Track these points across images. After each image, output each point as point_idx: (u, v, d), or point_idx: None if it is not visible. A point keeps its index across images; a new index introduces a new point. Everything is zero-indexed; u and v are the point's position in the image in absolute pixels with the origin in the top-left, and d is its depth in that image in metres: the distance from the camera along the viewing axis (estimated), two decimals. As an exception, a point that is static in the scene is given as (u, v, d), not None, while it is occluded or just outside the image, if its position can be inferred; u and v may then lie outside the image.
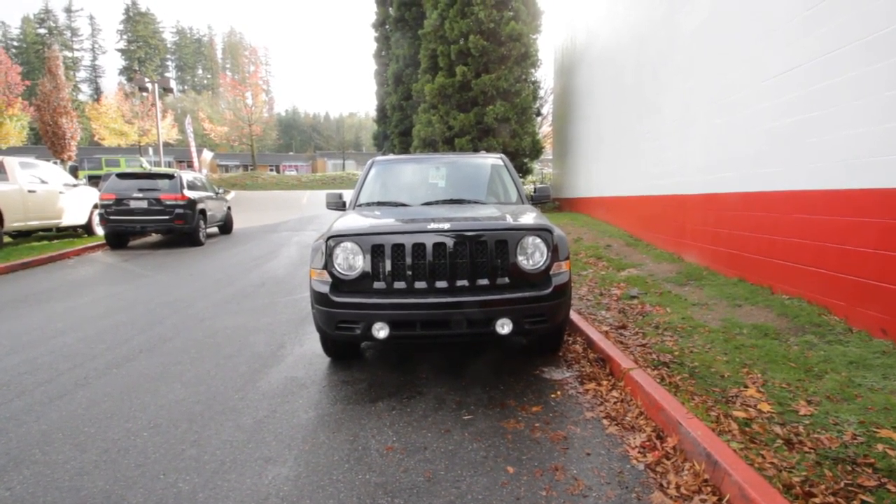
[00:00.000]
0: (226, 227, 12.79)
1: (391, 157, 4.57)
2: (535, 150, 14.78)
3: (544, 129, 19.37)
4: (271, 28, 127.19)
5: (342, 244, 2.91)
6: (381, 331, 2.75)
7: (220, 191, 12.61)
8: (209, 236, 11.12)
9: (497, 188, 4.17)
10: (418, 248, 2.82)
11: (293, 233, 13.11)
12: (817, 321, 3.59)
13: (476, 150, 13.91)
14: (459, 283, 2.81)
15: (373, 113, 23.93)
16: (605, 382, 2.95)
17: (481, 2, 13.35)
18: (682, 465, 2.05)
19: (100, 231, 10.58)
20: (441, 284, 2.81)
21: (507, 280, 2.85)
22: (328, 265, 2.92)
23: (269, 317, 4.87)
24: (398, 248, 2.84)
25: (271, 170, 47.33)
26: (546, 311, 2.86)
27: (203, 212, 10.64)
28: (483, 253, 2.83)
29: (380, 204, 3.99)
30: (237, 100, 41.45)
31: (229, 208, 13.13)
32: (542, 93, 15.41)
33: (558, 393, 2.90)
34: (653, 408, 2.49)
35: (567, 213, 12.97)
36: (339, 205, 4.24)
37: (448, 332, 2.82)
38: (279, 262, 8.38)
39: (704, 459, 1.99)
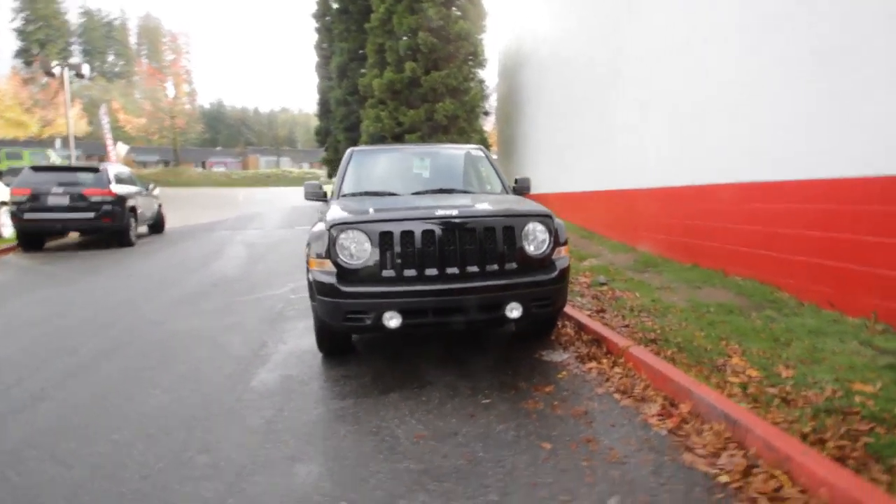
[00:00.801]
0: (157, 225, 11.80)
1: (369, 147, 4.46)
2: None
3: (487, 127, 19.77)
4: (192, 15, 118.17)
5: (347, 232, 2.81)
6: (392, 320, 2.69)
7: (151, 186, 11.59)
8: (139, 236, 10.18)
9: (481, 178, 4.21)
10: (428, 234, 2.79)
11: (234, 231, 12.38)
12: (771, 298, 4.01)
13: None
14: (469, 269, 2.81)
15: (308, 108, 23.13)
16: (604, 361, 3.09)
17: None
18: (702, 427, 2.21)
19: (7, 231, 9.31)
20: (451, 271, 2.79)
21: (514, 265, 2.89)
22: (331, 254, 2.80)
23: (234, 316, 4.57)
24: (407, 235, 2.78)
25: (196, 166, 44.14)
26: (552, 295, 2.95)
27: (133, 209, 9.72)
28: (492, 238, 2.85)
29: (367, 194, 3.87)
30: (156, 89, 38.22)
31: (160, 205, 12.12)
32: (487, 92, 15.70)
33: (564, 373, 3.00)
34: (659, 379, 2.65)
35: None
36: (318, 195, 4.07)
37: (460, 318, 2.81)
38: (227, 261, 7.87)
39: (724, 420, 2.16)
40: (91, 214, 8.64)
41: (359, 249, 2.79)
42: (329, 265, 2.81)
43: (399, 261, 2.77)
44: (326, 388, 2.91)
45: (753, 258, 4.45)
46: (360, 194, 3.87)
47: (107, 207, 8.82)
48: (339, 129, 18.22)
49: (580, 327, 3.65)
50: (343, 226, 2.82)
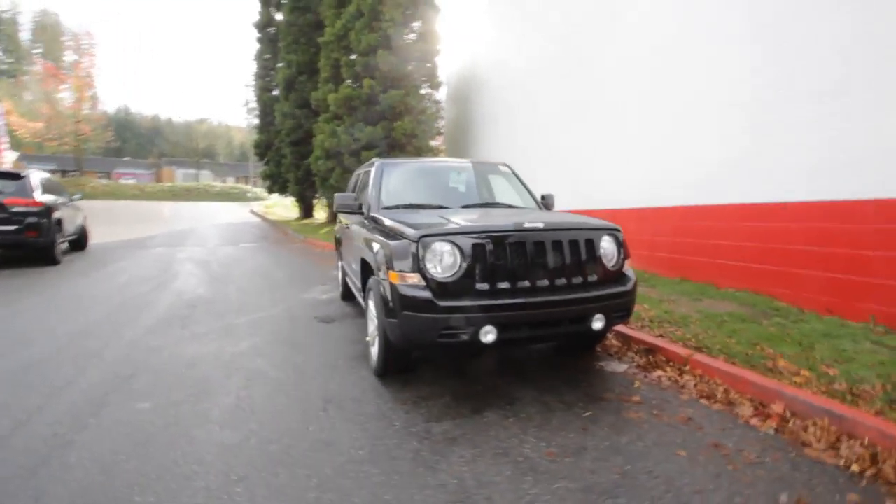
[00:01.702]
0: (80, 241, 10.42)
1: (396, 160, 4.32)
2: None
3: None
4: (95, 16, 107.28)
5: (437, 244, 2.69)
6: (488, 335, 2.60)
7: (76, 196, 10.21)
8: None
9: (515, 193, 4.25)
10: (518, 246, 2.76)
11: (173, 248, 11.30)
12: (774, 307, 4.45)
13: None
14: (558, 281, 2.82)
15: (230, 120, 21.77)
16: (668, 369, 3.23)
17: (390, 19, 13.42)
18: (805, 424, 2.38)
19: None
20: (542, 283, 2.78)
21: (595, 277, 2.95)
22: (421, 267, 2.66)
23: (244, 341, 4.14)
24: (499, 247, 2.73)
25: (101, 177, 39.58)
26: (629, 306, 3.03)
27: (60, 222, 8.50)
28: (576, 251, 2.89)
29: (412, 206, 3.74)
30: (53, 91, 34.06)
31: (85, 218, 10.72)
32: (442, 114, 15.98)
33: (637, 384, 3.08)
34: (739, 383, 2.82)
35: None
36: (353, 207, 3.87)
37: (551, 331, 2.79)
38: (187, 281, 7.13)
39: (825, 415, 2.34)
40: (13, 227, 7.41)
41: (449, 262, 2.68)
42: (418, 279, 2.67)
43: (492, 273, 2.71)
44: (412, 412, 2.70)
45: (746, 272, 4.92)
46: (405, 207, 3.74)
47: (32, 220, 7.65)
48: (284, 143, 17.45)
49: (626, 338, 3.78)
50: (432, 237, 2.70)
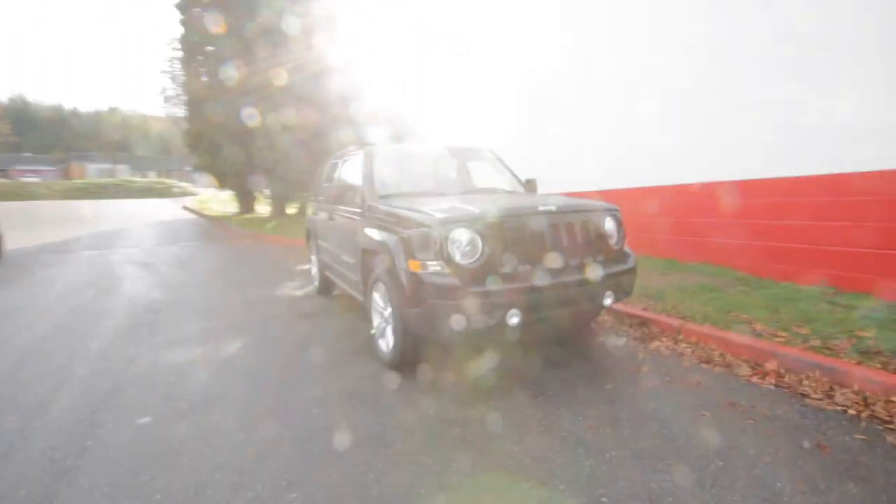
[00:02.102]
0: (-8, 247, 9.21)
1: (383, 146, 4.20)
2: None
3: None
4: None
5: (459, 230, 2.68)
6: (514, 317, 2.64)
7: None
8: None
9: (503, 178, 4.31)
10: (536, 229, 2.82)
11: (106, 251, 10.34)
12: (736, 277, 4.88)
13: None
14: (572, 261, 2.92)
15: (147, 110, 19.95)
16: (664, 339, 3.46)
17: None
18: (799, 378, 2.66)
19: None
20: (559, 264, 2.86)
21: (602, 257, 3.08)
22: (444, 254, 2.65)
23: (234, 343, 3.90)
24: (518, 230, 2.78)
25: (-5, 175, 35.00)
26: (632, 283, 3.20)
27: (-30, 226, 7.47)
28: (587, 231, 3.00)
29: (413, 194, 3.68)
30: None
31: (-3, 222, 9.51)
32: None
33: (641, 355, 3.27)
34: (732, 346, 3.09)
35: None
36: (341, 197, 3.74)
37: (569, 310, 2.89)
38: (136, 285, 6.57)
39: (816, 369, 2.64)
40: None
41: (472, 247, 2.68)
42: (442, 266, 2.65)
43: (513, 257, 2.74)
44: (440, 399, 2.70)
45: (705, 246, 5.34)
46: (405, 195, 3.66)
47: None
48: (222, 134, 16.31)
49: (616, 313, 3.99)
50: (454, 223, 2.69)
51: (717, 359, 3.07)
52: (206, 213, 20.28)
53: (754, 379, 2.77)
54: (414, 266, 2.70)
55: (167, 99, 20.49)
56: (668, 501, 1.76)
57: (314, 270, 5.90)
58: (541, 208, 2.90)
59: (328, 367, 3.26)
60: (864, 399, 2.38)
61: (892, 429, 2.16)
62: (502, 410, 2.52)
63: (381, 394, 2.79)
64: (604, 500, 1.78)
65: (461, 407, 2.58)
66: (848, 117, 3.98)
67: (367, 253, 3.43)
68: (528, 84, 8.23)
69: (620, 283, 3.07)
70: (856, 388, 2.47)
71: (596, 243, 3.05)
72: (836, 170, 4.11)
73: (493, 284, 2.66)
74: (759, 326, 3.50)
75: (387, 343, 3.20)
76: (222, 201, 22.86)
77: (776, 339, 3.17)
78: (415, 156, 4.23)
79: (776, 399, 2.51)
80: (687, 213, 5.62)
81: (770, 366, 2.84)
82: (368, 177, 3.80)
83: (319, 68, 12.88)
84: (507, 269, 2.73)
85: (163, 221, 18.08)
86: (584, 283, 2.88)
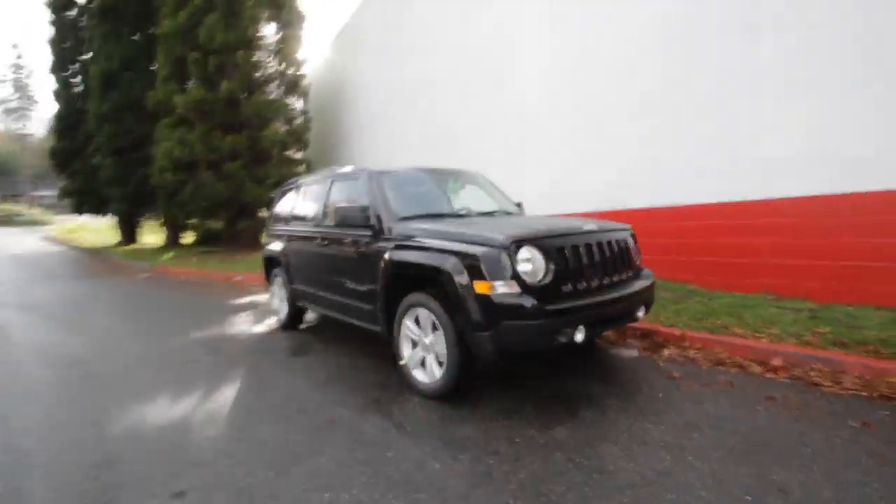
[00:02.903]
0: None
1: (386, 168, 4.02)
2: (311, 181, 14.31)
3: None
4: None
5: (527, 249, 2.68)
6: (579, 333, 2.69)
7: None
8: None
9: (502, 199, 4.39)
10: (587, 248, 2.92)
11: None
12: (689, 289, 5.50)
13: (253, 177, 12.42)
14: (615, 277, 3.07)
15: None
16: (671, 347, 3.75)
17: (249, 17, 12.20)
18: (806, 370, 3.08)
19: None
20: (607, 281, 2.99)
21: (631, 273, 3.29)
22: (516, 274, 2.62)
23: (224, 393, 3.37)
24: (574, 250, 2.85)
25: None
26: (653, 297, 3.45)
27: None
28: (621, 249, 3.19)
29: (432, 216, 3.56)
30: None
31: None
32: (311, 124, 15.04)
33: (661, 363, 3.51)
34: (735, 349, 3.48)
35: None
36: (364, 217, 3.51)
37: (615, 325, 3.02)
38: (28, 332, 5.39)
39: (818, 361, 3.08)
40: None
41: (540, 266, 2.69)
42: (514, 286, 2.61)
43: (572, 274, 2.81)
44: (495, 429, 2.61)
45: (661, 263, 5.97)
46: (427, 216, 3.54)
47: None
48: (101, 152, 14.16)
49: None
50: (523, 242, 2.68)
51: (727, 361, 3.43)
52: (78, 244, 17.23)
53: (769, 375, 3.15)
54: (482, 287, 2.62)
55: (7, 112, 17.24)
56: (796, 488, 1.90)
57: (276, 303, 5.36)
58: (586, 227, 3.03)
59: (364, 407, 2.96)
60: (867, 381, 2.85)
61: (899, 404, 2.62)
62: (570, 432, 2.51)
63: (440, 428, 2.61)
64: (748, 498, 1.87)
65: (544, 430, 2.52)
66: (776, 152, 4.82)
67: (396, 278, 3.24)
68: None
69: (648, 298, 3.31)
70: (856, 374, 2.94)
71: (626, 260, 3.26)
72: (769, 196, 4.92)
73: (561, 302, 2.69)
74: (736, 330, 3.99)
75: (429, 372, 3.02)
76: (95, 230, 19.63)
77: (763, 339, 3.65)
78: (414, 178, 4.13)
79: (799, 390, 2.88)
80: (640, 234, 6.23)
81: (776, 362, 3.25)
82: (382, 199, 3.61)
83: (236, 84, 11.98)
84: (568, 287, 2.78)
85: (22, 256, 15.00)
86: (629, 297, 3.04)
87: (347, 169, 4.30)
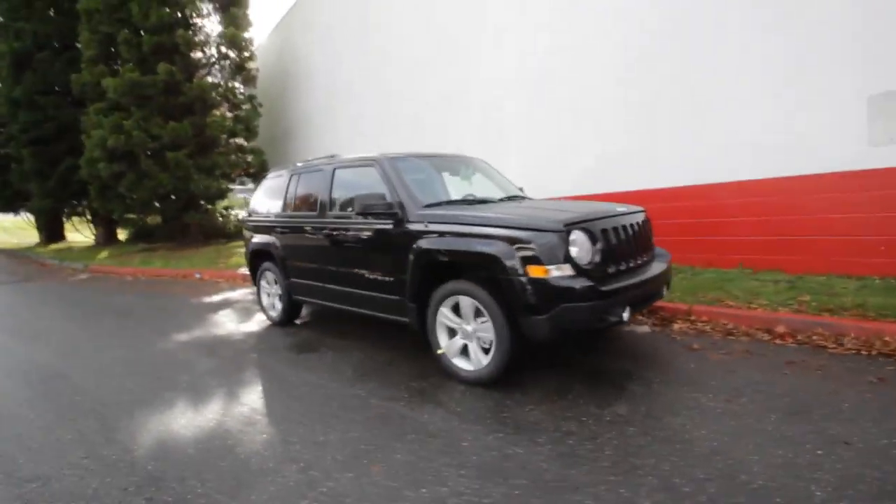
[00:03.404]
0: None
1: (399, 154, 3.87)
2: (264, 170, 13.54)
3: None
4: None
5: (577, 232, 2.71)
6: (626, 313, 2.78)
7: None
8: None
9: (508, 185, 4.40)
10: (624, 229, 3.01)
11: None
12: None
13: (199, 167, 11.56)
14: (646, 257, 3.19)
15: None
16: (680, 321, 3.98)
17: (190, -7, 11.22)
18: (810, 335, 3.39)
19: None
20: (641, 261, 3.10)
21: (654, 252, 3.43)
22: (569, 257, 2.64)
23: (245, 396, 3.15)
24: (615, 232, 2.92)
25: None
26: (671, 275, 3.62)
27: None
28: (645, 230, 3.31)
29: (457, 203, 3.51)
30: None
31: None
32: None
33: (678, 338, 3.71)
34: (740, 319, 3.75)
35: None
36: (387, 206, 3.37)
37: (650, 302, 3.14)
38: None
39: (818, 326, 3.40)
40: None
41: (588, 249, 2.73)
42: (568, 269, 2.64)
43: (615, 256, 2.88)
44: (550, 414, 2.65)
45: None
46: (450, 203, 3.48)
47: None
48: (18, 143, 12.48)
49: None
50: (574, 226, 2.71)
51: (735, 331, 3.69)
52: (-14, 245, 15.22)
53: (777, 341, 3.43)
54: (538, 272, 2.62)
55: None
56: (855, 440, 2.10)
57: (266, 300, 5.06)
58: (618, 210, 3.12)
59: (408, 402, 2.88)
60: (865, 340, 3.19)
61: None
62: (644, 403, 2.61)
63: (497, 420, 2.61)
64: (819, 452, 2.04)
65: (605, 407, 2.59)
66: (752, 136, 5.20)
67: (429, 267, 3.16)
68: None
69: (670, 275, 3.47)
70: (852, 335, 3.28)
71: (649, 241, 3.40)
72: (740, 178, 5.31)
73: (610, 283, 2.75)
74: (730, 303, 4.31)
75: (474, 360, 3.00)
76: (6, 230, 17.38)
77: (757, 310, 3.96)
78: (424, 165, 4.03)
79: (809, 353, 3.17)
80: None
81: (780, 329, 3.55)
82: (403, 186, 3.49)
83: (176, 67, 11.01)
84: (612, 269, 2.85)
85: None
86: (659, 276, 3.18)
87: (354, 156, 4.11)
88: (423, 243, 3.14)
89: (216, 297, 6.88)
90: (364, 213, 3.44)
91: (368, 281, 3.66)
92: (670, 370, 3.05)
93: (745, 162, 5.22)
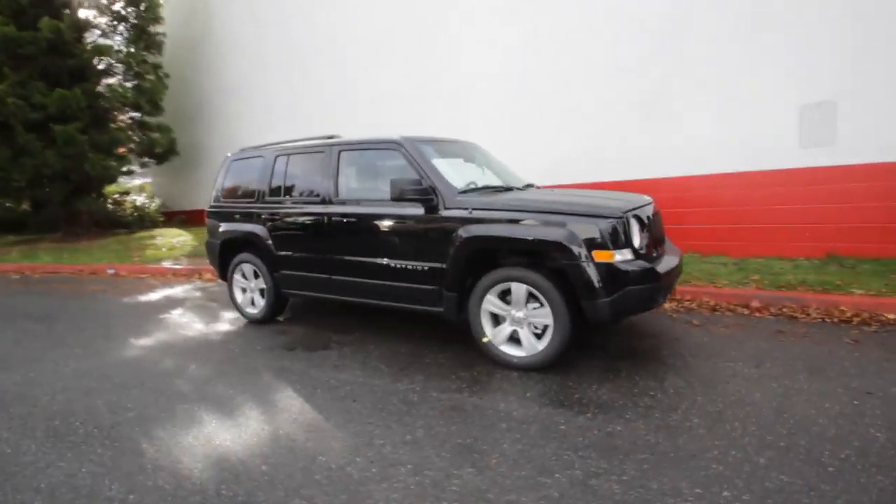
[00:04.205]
0: None
1: (417, 137, 3.68)
2: (172, 152, 11.98)
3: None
4: None
5: (632, 219, 2.87)
6: (664, 296, 3.01)
7: None
8: None
9: (516, 174, 4.44)
10: (652, 218, 3.23)
11: None
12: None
13: (95, 145, 9.91)
14: (664, 246, 3.46)
15: None
16: (684, 302, 4.39)
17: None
18: (781, 307, 3.96)
19: None
20: (662, 249, 3.36)
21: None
22: (630, 242, 2.80)
23: (255, 420, 2.85)
24: (649, 220, 3.14)
25: None
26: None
27: None
28: (661, 220, 3.58)
29: (487, 189, 3.48)
30: None
31: None
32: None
33: (672, 315, 4.08)
34: (722, 297, 4.25)
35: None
36: (418, 192, 3.22)
37: (673, 288, 3.43)
38: None
39: (788, 301, 3.99)
40: None
41: (639, 235, 2.90)
42: (629, 254, 2.79)
43: (655, 243, 3.09)
44: (623, 383, 2.81)
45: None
46: (484, 189, 3.46)
47: None
48: None
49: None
50: (630, 213, 2.87)
51: (718, 307, 4.18)
52: None
53: (756, 314, 3.96)
54: (604, 256, 2.72)
55: None
56: (874, 389, 2.53)
57: (242, 296, 4.57)
58: (645, 198, 3.34)
59: (467, 389, 2.83)
60: (825, 311, 3.82)
61: (858, 323, 3.58)
62: (692, 374, 2.86)
63: (566, 408, 2.69)
64: (856, 402, 2.42)
65: (659, 382, 2.78)
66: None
67: (474, 254, 3.10)
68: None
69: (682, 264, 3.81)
70: (815, 306, 3.90)
71: (663, 230, 3.69)
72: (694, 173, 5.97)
73: (661, 267, 2.96)
74: (697, 283, 4.86)
75: (527, 346, 3.02)
76: None
77: (725, 289, 4.53)
78: (458, 150, 3.93)
79: (787, 324, 3.71)
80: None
81: (755, 304, 4.10)
82: (432, 171, 3.36)
83: (63, 23, 9.23)
84: (653, 254, 3.07)
85: None
86: (680, 265, 3.46)
87: (365, 137, 3.85)
88: (472, 230, 3.07)
89: (153, 296, 6.00)
90: (399, 199, 3.25)
91: (393, 270, 3.48)
92: (691, 344, 3.38)
93: (698, 159, 5.88)
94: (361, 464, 2.11)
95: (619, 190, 6.33)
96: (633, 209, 2.95)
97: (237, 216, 4.46)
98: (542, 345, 2.97)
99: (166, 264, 7.84)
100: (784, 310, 3.96)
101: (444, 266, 3.22)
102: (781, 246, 5.43)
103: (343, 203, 3.74)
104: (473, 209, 3.12)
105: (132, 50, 10.76)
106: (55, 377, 3.32)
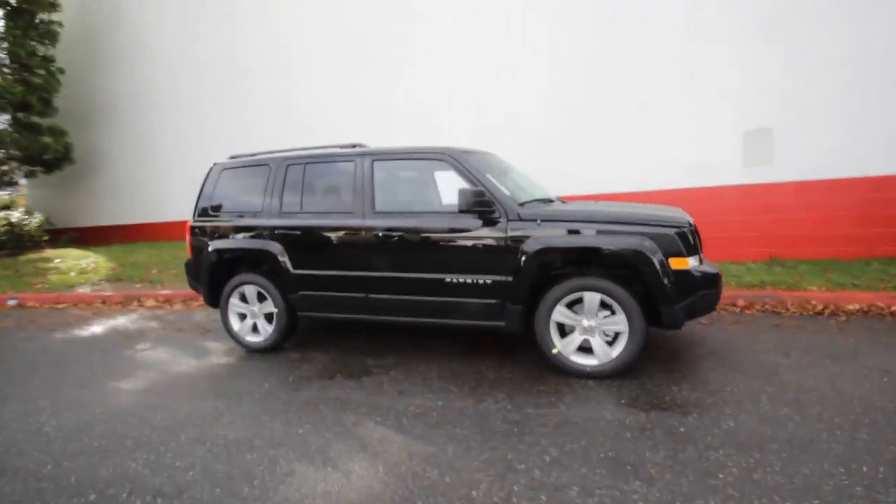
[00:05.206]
0: None
1: (464, 149, 3.59)
2: (67, 158, 10.20)
3: None
4: None
5: (694, 228, 3.10)
6: (712, 301, 3.30)
7: None
8: None
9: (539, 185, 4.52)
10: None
11: None
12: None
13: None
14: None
15: None
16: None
17: None
18: (763, 305, 4.52)
19: None
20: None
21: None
22: (697, 249, 3.03)
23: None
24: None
25: None
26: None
27: None
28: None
29: (537, 201, 3.50)
30: None
31: None
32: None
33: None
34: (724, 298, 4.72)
35: (118, 244, 10.10)
36: (482, 203, 3.15)
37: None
38: None
39: (768, 298, 4.57)
40: None
41: (698, 243, 3.15)
42: (696, 260, 3.01)
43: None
44: (684, 379, 3.00)
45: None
46: (537, 201, 3.51)
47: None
48: None
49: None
50: (691, 223, 3.09)
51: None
52: None
53: (746, 311, 4.48)
54: (681, 264, 2.90)
55: None
56: (888, 372, 3.00)
57: (240, 324, 4.04)
58: (679, 209, 3.63)
59: (547, 397, 2.81)
60: (801, 306, 4.44)
61: (829, 314, 4.22)
62: (729, 369, 3.13)
63: (634, 413, 2.81)
64: (885, 379, 2.84)
65: (703, 381, 3.01)
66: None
67: (547, 265, 3.11)
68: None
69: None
70: (790, 302, 4.52)
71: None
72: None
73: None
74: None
75: (599, 354, 3.08)
76: None
77: (758, 283, 5.07)
78: (493, 162, 3.87)
79: (776, 318, 4.25)
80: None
81: (741, 303, 4.63)
82: (488, 182, 3.30)
83: None
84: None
85: None
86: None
87: (401, 147, 3.65)
88: (543, 241, 3.07)
89: (94, 328, 5.01)
90: (466, 211, 3.14)
91: (448, 286, 3.33)
92: (716, 341, 3.71)
93: (656, 176, 6.52)
94: (524, 492, 1.98)
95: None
96: (691, 219, 3.20)
97: (235, 232, 3.94)
98: (615, 352, 3.05)
99: (84, 290, 6.61)
100: (766, 306, 4.54)
101: (508, 279, 3.17)
102: (732, 251, 6.21)
103: (381, 216, 3.50)
104: (542, 220, 3.13)
105: (20, 40, 9.01)
106: (40, 434, 2.60)
